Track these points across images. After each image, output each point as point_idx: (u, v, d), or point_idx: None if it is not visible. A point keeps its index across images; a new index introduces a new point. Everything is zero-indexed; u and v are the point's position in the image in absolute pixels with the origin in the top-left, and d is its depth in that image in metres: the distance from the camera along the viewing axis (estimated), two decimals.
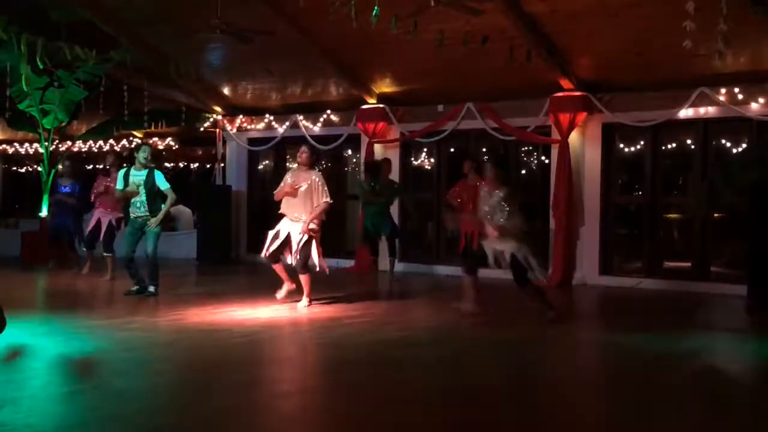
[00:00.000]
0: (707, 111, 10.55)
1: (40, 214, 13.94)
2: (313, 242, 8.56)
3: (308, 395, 5.06)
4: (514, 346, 6.85)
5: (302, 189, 8.45)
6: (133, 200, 9.16)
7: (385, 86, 12.85)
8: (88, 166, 17.09)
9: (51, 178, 13.60)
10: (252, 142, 14.82)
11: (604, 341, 7.36)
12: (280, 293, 8.76)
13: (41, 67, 10.12)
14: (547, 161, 12.08)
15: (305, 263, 8.54)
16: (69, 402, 4.63)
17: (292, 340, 7.04)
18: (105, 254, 10.98)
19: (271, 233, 8.64)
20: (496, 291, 9.12)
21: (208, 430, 4.20)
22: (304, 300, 8.62)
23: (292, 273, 8.68)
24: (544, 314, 7.75)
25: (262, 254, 8.72)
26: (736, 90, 10.22)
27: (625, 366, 6.08)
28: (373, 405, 4.73)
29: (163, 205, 9.20)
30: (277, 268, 8.73)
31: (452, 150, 13.07)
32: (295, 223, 8.50)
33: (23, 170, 19.46)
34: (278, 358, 6.49)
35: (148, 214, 9.11)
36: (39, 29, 10.20)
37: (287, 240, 8.53)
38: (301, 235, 8.42)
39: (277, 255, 8.63)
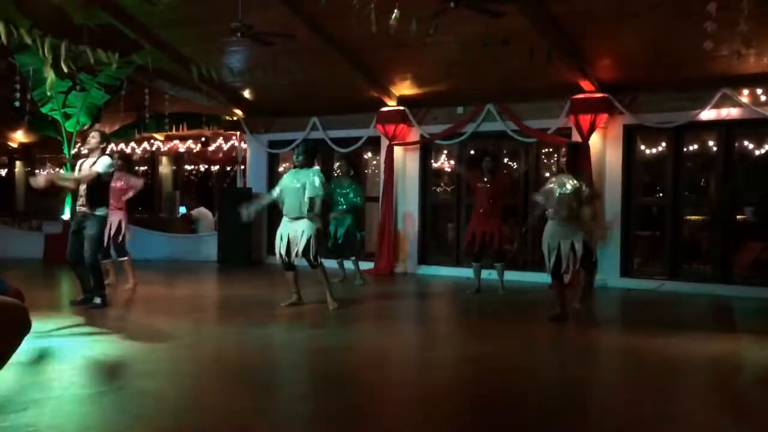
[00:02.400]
0: (729, 112, 10.46)
1: (62, 216, 14.07)
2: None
3: (330, 396, 5.07)
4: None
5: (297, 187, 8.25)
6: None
7: (405, 88, 12.85)
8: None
9: None
10: (272, 144, 14.87)
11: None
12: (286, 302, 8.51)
13: (65, 70, 10.20)
14: None
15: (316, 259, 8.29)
16: (93, 403, 4.66)
17: (314, 342, 7.05)
18: (120, 259, 10.00)
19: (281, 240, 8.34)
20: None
21: (233, 431, 4.22)
22: (331, 301, 8.38)
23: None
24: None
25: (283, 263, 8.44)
26: (759, 91, 10.12)
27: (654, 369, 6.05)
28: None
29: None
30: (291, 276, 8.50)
31: (472, 152, 13.05)
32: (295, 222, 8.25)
33: (45, 172, 19.64)
34: (299, 361, 6.50)
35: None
36: (62, 33, 10.28)
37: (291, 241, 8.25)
38: (308, 232, 8.16)
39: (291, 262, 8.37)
